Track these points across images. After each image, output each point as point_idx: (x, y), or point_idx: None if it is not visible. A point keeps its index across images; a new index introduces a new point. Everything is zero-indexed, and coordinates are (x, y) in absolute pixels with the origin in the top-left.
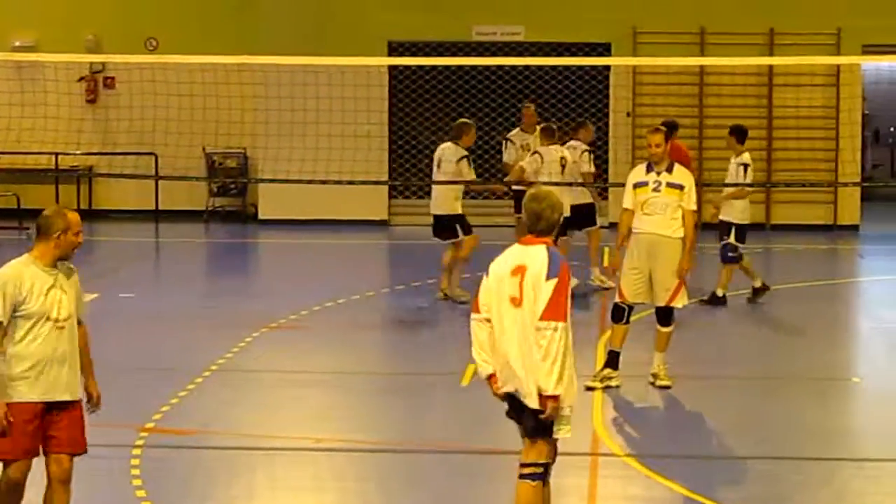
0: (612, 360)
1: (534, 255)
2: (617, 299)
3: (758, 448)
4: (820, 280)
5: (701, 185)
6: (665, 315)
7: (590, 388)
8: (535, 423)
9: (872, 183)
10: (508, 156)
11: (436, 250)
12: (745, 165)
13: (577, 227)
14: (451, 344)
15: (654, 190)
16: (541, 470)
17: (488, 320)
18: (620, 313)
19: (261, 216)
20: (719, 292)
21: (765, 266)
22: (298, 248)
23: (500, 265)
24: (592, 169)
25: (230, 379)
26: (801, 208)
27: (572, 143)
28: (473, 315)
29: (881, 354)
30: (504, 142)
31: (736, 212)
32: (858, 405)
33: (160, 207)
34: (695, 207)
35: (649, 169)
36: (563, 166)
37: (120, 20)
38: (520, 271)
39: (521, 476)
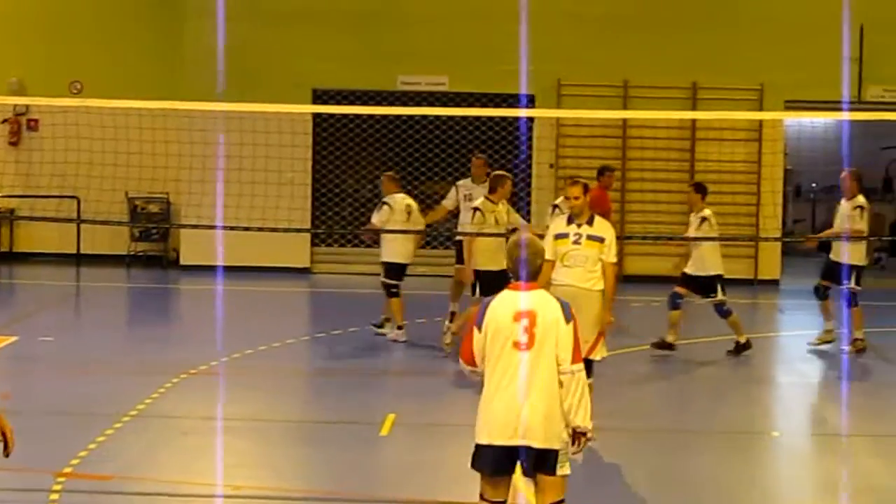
0: None
1: (541, 300)
2: None
3: (676, 501)
4: (726, 334)
5: (623, 237)
6: (584, 368)
7: None
8: (550, 463)
9: (793, 238)
10: (448, 201)
11: (357, 299)
12: (704, 219)
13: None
14: (371, 393)
15: (575, 242)
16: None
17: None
18: None
19: (183, 262)
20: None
21: (685, 319)
22: (220, 294)
23: (499, 313)
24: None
25: (149, 425)
26: (723, 262)
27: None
28: (467, 367)
29: (801, 409)
30: (453, 187)
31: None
32: (777, 460)
33: (82, 251)
34: (615, 260)
35: (570, 221)
36: (409, 213)
37: (44, 63)
38: (526, 316)
39: None
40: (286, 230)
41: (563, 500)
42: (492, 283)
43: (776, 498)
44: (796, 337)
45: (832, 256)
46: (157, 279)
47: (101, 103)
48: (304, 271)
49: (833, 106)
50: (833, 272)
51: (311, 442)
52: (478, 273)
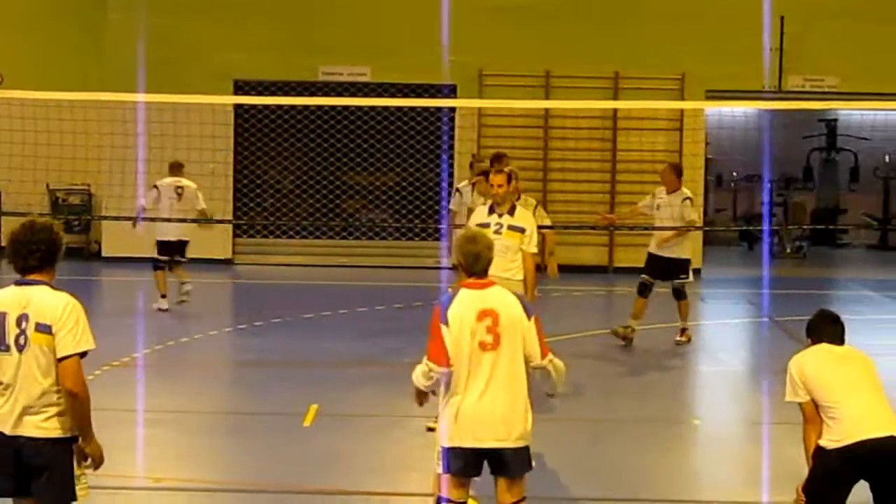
0: None
1: (500, 298)
2: None
3: (598, 490)
4: (662, 323)
5: (545, 227)
6: None
7: (431, 429)
8: (518, 462)
9: (714, 227)
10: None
11: (279, 289)
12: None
13: None
14: (294, 384)
15: (496, 232)
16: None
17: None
18: None
19: (104, 253)
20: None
21: (606, 308)
22: (142, 285)
23: (462, 312)
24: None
25: None
26: (644, 251)
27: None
28: (440, 368)
29: (721, 397)
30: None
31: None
32: (698, 447)
33: (3, 244)
34: (535, 250)
35: (491, 210)
36: (180, 195)
37: None
38: (488, 315)
39: None
40: (208, 221)
41: (525, 498)
42: None
43: (697, 485)
44: (718, 325)
45: (659, 252)
46: (78, 271)
47: (21, 94)
48: (226, 262)
49: (754, 95)
50: (657, 268)
51: (233, 433)
52: None
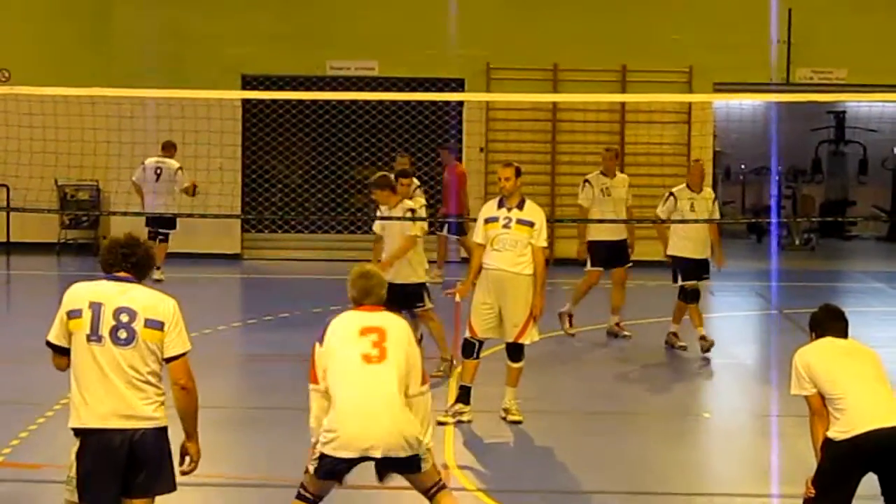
0: (464, 395)
1: (389, 319)
2: (467, 334)
3: (608, 483)
4: (669, 316)
5: (553, 221)
6: (515, 351)
7: (441, 423)
8: (406, 467)
9: (722, 220)
10: None
11: (287, 284)
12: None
13: None
14: (304, 379)
15: (504, 226)
16: (444, 482)
17: (327, 390)
18: (471, 348)
19: None
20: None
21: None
22: (150, 281)
23: (343, 328)
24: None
25: None
26: (655, 244)
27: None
28: (313, 386)
29: (731, 390)
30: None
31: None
32: (709, 440)
33: (11, 239)
34: (545, 244)
35: (500, 204)
36: (158, 175)
37: None
38: (374, 331)
39: (437, 491)
40: (216, 216)
41: (441, 480)
42: None
43: (707, 479)
44: (728, 318)
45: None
46: (88, 267)
47: (29, 91)
48: (234, 257)
49: (762, 88)
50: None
51: (245, 428)
52: None
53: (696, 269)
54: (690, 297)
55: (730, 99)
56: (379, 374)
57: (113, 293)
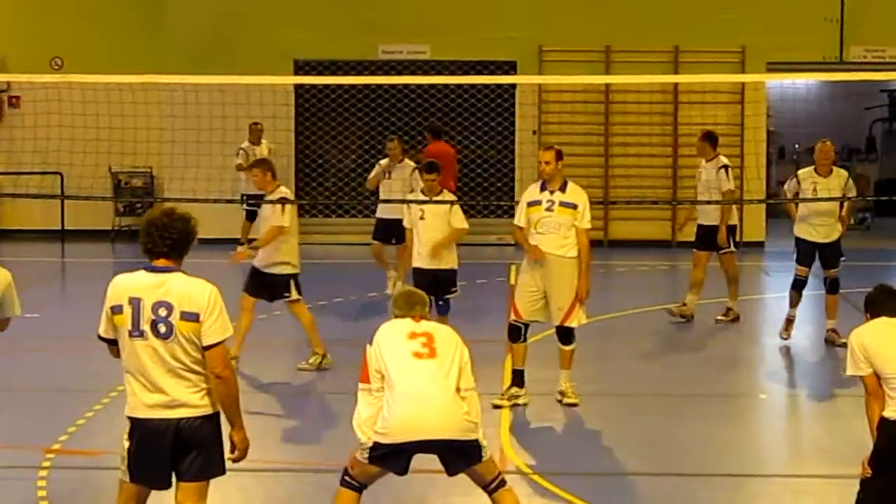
0: (518, 379)
1: (435, 326)
2: (512, 318)
3: (664, 464)
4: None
5: (607, 203)
6: (564, 334)
7: (497, 406)
8: (467, 456)
9: (777, 199)
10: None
11: (342, 268)
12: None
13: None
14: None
15: (547, 209)
16: (503, 476)
17: (379, 390)
18: (517, 332)
19: None
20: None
21: (672, 283)
22: (205, 267)
23: (392, 331)
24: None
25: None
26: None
27: (407, 160)
28: (363, 385)
29: (787, 370)
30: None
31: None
32: (764, 421)
33: (66, 227)
34: (588, 226)
35: (543, 188)
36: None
37: (25, 39)
38: (422, 335)
39: (497, 486)
40: (270, 202)
41: (501, 475)
42: None
43: (763, 460)
44: (782, 298)
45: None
46: (142, 253)
47: (82, 78)
48: None
49: (815, 67)
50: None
51: (297, 413)
52: None
53: (814, 255)
54: (793, 284)
55: (783, 79)
56: (432, 367)
57: (150, 287)
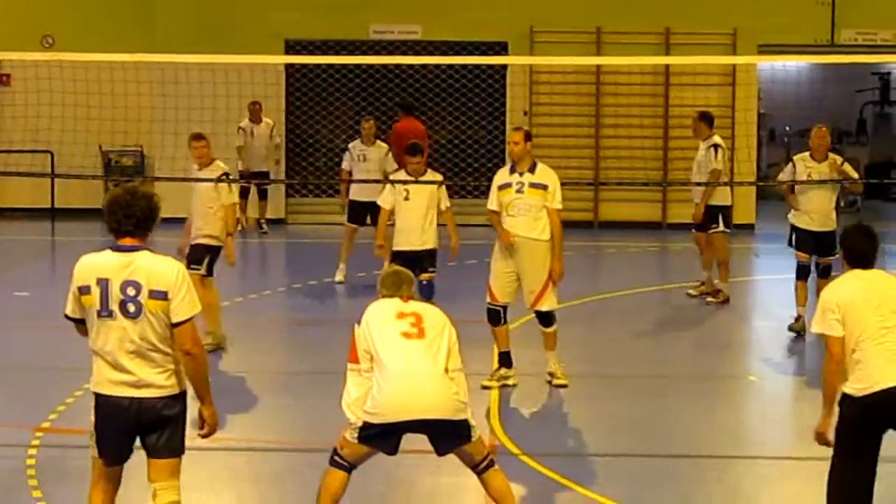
0: (505, 360)
1: (423, 306)
2: (488, 300)
3: (654, 446)
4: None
5: (597, 184)
6: (543, 317)
7: (486, 387)
8: (457, 435)
9: (768, 182)
10: (345, 163)
11: (331, 248)
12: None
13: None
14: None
15: (518, 191)
16: (492, 456)
17: (368, 370)
18: (496, 315)
19: None
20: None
21: (661, 265)
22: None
23: (380, 311)
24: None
25: None
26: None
27: (379, 142)
28: (351, 366)
29: (777, 353)
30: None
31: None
32: (754, 403)
33: (56, 205)
34: (560, 206)
35: (513, 170)
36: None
37: (15, 17)
38: (410, 315)
39: (486, 467)
40: (260, 183)
41: (490, 456)
42: None
43: (752, 441)
44: (772, 281)
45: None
46: (107, 233)
47: (73, 57)
48: (279, 222)
49: (806, 50)
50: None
51: (290, 393)
52: None
53: (812, 243)
54: (798, 271)
55: (774, 61)
56: (420, 348)
57: (118, 266)
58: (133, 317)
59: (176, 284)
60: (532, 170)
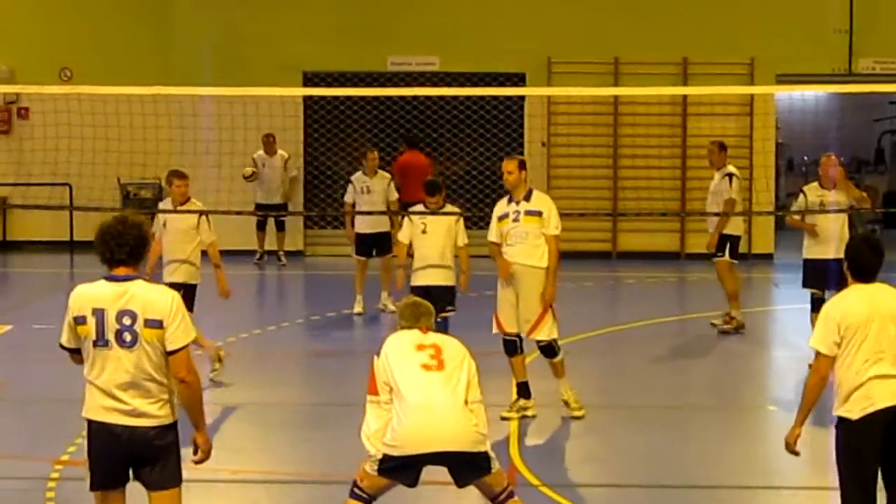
0: (523, 391)
1: (442, 338)
2: (495, 331)
3: (673, 477)
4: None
5: (616, 214)
6: (543, 347)
7: (505, 419)
8: (477, 467)
9: (786, 211)
10: (348, 196)
11: (350, 280)
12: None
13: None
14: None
15: (514, 220)
16: (512, 488)
17: (388, 402)
18: (512, 346)
19: None
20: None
21: (679, 295)
22: (214, 278)
23: (399, 343)
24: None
25: None
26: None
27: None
28: (370, 397)
29: (795, 383)
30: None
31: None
32: (773, 433)
33: (75, 238)
34: (556, 232)
35: (510, 199)
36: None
37: (34, 50)
38: (429, 347)
39: (506, 498)
40: (278, 214)
41: (509, 486)
42: None
43: (772, 472)
44: (790, 311)
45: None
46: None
47: (91, 90)
48: (297, 254)
49: (824, 79)
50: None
51: (309, 425)
52: None
53: (828, 273)
54: (812, 304)
55: (792, 90)
56: (440, 379)
57: (113, 296)
58: (129, 346)
59: (171, 313)
60: (528, 198)
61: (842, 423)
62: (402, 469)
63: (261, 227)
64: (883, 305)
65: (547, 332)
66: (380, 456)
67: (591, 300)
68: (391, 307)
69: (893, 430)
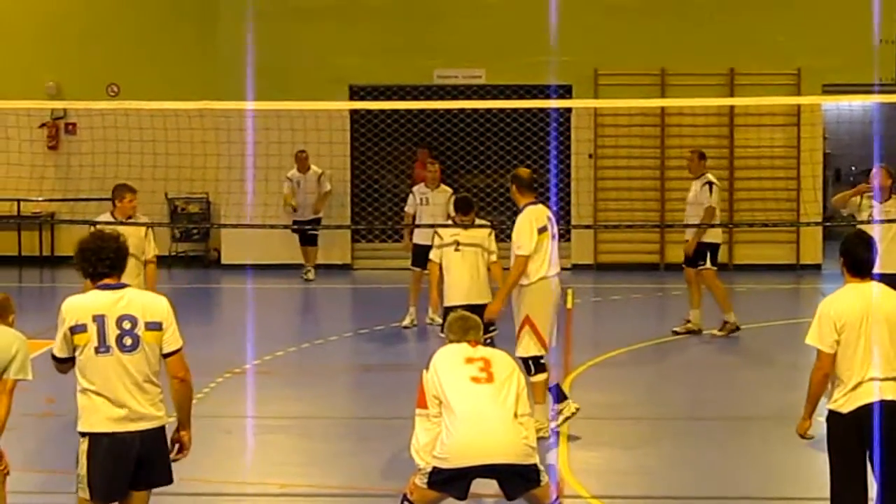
0: (558, 395)
1: (491, 351)
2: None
3: (726, 488)
4: (784, 319)
5: (664, 226)
6: (522, 363)
7: (542, 438)
8: (526, 480)
9: (834, 222)
10: (408, 206)
11: (398, 294)
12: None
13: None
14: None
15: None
16: (561, 500)
17: (437, 415)
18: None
19: (224, 261)
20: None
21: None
22: (261, 292)
23: (448, 356)
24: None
25: (194, 425)
26: (764, 248)
27: (444, 186)
28: (419, 411)
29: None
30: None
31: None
32: (823, 443)
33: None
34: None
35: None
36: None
37: (81, 66)
38: (478, 360)
39: None
40: (326, 227)
41: (559, 499)
42: None
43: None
44: None
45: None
46: (198, 279)
47: (138, 105)
48: (345, 268)
49: (871, 89)
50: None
51: (356, 438)
52: None
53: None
54: None
55: (839, 101)
56: (490, 392)
57: (111, 303)
58: (130, 350)
59: (168, 316)
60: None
61: (832, 416)
62: (451, 482)
63: (303, 242)
64: (877, 304)
65: (524, 349)
66: (429, 469)
67: (639, 312)
68: (438, 320)
69: (884, 426)
